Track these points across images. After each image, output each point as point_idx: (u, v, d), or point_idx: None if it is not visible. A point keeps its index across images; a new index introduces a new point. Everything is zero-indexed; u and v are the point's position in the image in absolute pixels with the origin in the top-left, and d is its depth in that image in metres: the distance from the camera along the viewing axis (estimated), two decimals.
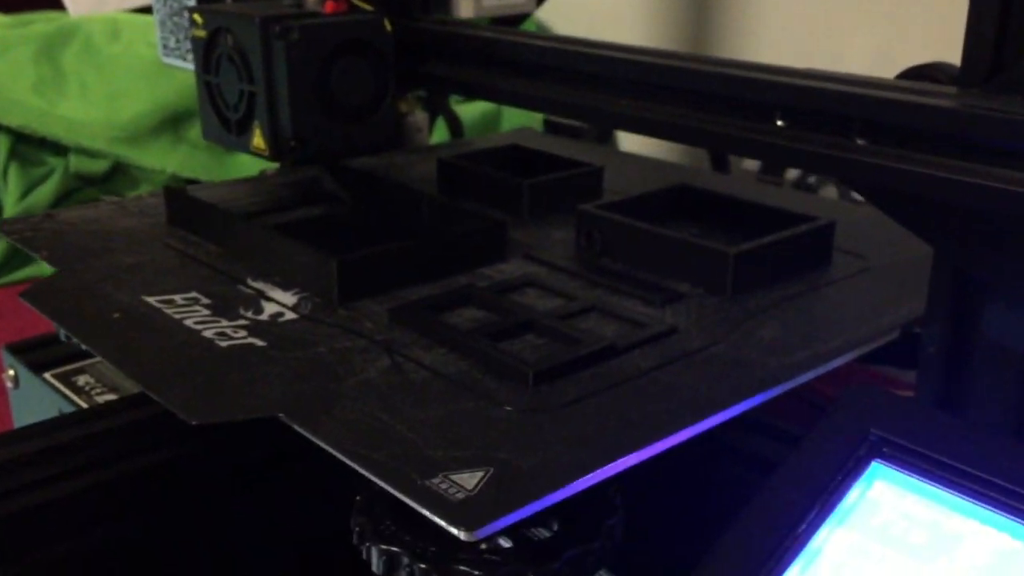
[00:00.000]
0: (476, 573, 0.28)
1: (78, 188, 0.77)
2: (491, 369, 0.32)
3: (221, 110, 0.45)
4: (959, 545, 0.26)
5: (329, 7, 0.44)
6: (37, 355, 0.48)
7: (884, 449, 0.28)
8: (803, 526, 0.27)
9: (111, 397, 0.45)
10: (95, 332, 0.35)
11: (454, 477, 0.26)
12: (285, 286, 0.39)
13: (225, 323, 0.36)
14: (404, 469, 0.27)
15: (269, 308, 0.37)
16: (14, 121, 0.75)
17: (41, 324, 0.61)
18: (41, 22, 0.83)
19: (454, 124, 0.64)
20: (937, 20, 0.58)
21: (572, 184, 0.49)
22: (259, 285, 0.39)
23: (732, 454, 0.37)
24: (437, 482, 0.26)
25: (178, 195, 0.46)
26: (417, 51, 0.45)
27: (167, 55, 0.55)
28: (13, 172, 0.75)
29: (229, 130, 0.45)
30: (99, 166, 0.77)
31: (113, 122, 0.76)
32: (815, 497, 0.28)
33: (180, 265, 0.41)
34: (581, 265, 0.41)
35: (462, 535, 0.24)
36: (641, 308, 0.37)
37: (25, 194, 0.75)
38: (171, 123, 0.77)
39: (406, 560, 0.28)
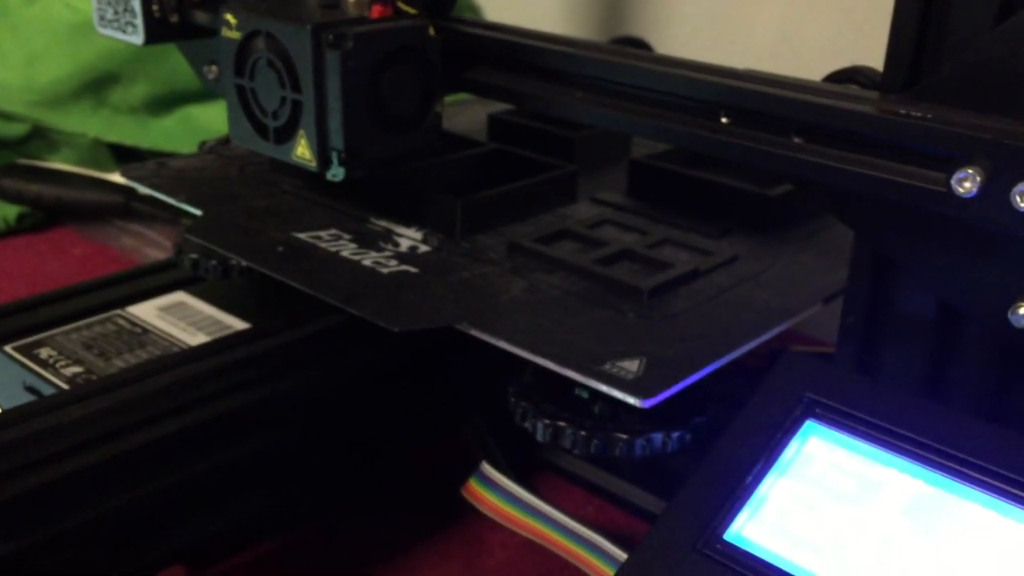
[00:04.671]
0: (624, 436, 0.37)
1: None
2: (610, 288, 0.41)
3: (256, 116, 0.43)
4: (882, 491, 0.31)
5: (376, 11, 0.42)
6: None
7: (816, 410, 0.34)
8: (750, 477, 0.33)
9: (77, 369, 0.46)
10: (273, 262, 0.42)
11: (620, 364, 0.35)
12: (407, 224, 0.47)
13: (375, 254, 0.43)
14: (580, 359, 0.35)
15: (404, 242, 0.45)
16: None
17: None
18: None
19: None
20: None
21: (609, 137, 0.57)
22: (383, 223, 0.47)
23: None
24: (608, 367, 0.35)
25: None
26: (459, 55, 0.44)
27: (103, 26, 0.53)
28: None
29: (266, 137, 0.43)
30: (17, 130, 0.77)
31: (31, 86, 0.75)
32: (759, 452, 0.33)
33: (306, 207, 0.48)
34: (637, 204, 0.50)
35: (640, 403, 0.33)
36: (702, 240, 0.46)
37: None
38: (92, 86, 0.75)
39: (569, 430, 0.37)
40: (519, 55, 0.43)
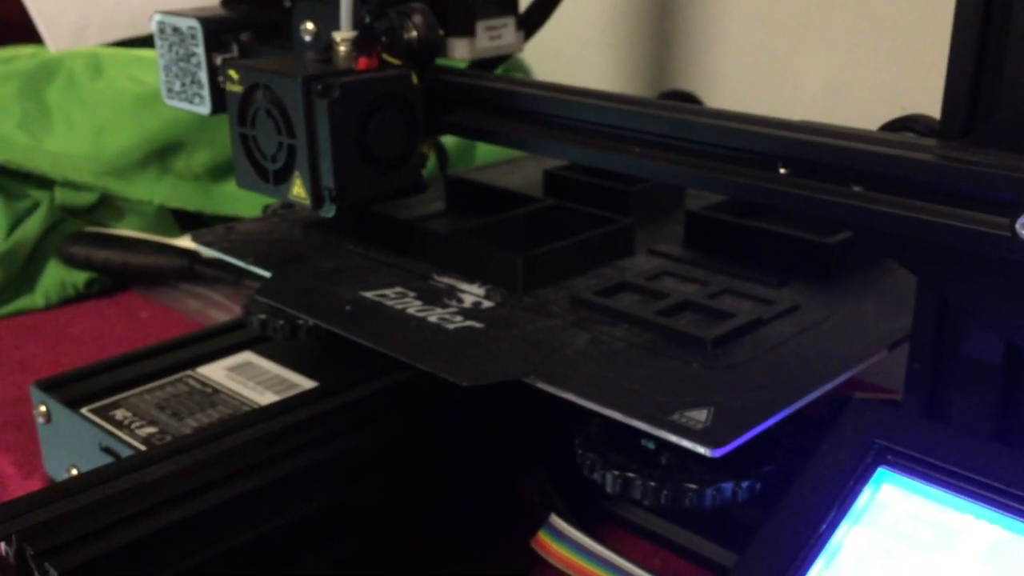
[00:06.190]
0: (694, 486, 0.37)
1: (63, 220, 0.80)
2: (672, 339, 0.41)
3: (258, 160, 0.46)
4: (958, 538, 0.31)
5: (362, 63, 0.45)
6: (69, 391, 0.50)
7: (888, 456, 0.34)
8: (824, 526, 0.32)
9: (151, 430, 0.47)
10: (342, 321, 0.43)
11: (688, 414, 0.35)
12: (470, 280, 0.47)
13: (440, 311, 0.44)
14: (648, 410, 0.36)
15: (467, 298, 0.46)
16: (0, 157, 0.77)
17: (40, 361, 0.65)
18: (23, 58, 0.83)
19: (442, 154, 0.66)
20: (884, 48, 0.66)
21: (664, 189, 0.58)
22: (447, 280, 0.48)
23: None
24: (677, 417, 0.35)
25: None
26: (440, 100, 0.47)
27: (171, 98, 0.57)
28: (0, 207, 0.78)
29: (267, 179, 0.46)
30: (85, 199, 0.80)
31: (99, 156, 0.78)
32: (832, 500, 0.33)
33: (371, 266, 0.50)
34: (695, 255, 0.51)
35: (711, 452, 0.33)
36: (762, 289, 0.46)
37: (12, 228, 0.77)
38: (157, 155, 0.78)
39: (639, 481, 0.37)
40: (493, 99, 0.46)
